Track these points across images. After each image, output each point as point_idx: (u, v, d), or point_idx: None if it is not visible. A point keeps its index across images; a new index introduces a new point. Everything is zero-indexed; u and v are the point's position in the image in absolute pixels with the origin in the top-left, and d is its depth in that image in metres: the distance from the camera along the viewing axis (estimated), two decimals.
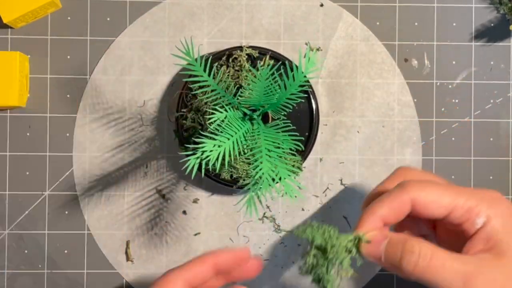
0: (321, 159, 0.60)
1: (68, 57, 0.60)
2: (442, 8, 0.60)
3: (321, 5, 0.60)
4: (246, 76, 0.53)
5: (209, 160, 0.45)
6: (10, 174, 0.59)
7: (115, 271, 0.59)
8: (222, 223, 0.60)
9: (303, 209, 0.60)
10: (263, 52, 0.56)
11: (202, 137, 0.46)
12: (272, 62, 0.46)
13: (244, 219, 0.60)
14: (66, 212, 0.59)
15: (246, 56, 0.56)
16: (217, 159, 0.46)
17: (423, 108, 0.60)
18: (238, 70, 0.55)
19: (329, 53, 0.60)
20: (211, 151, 0.46)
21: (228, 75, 0.55)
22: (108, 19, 0.60)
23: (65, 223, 0.59)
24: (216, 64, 0.55)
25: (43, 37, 0.60)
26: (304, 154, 0.56)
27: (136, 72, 0.59)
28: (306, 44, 0.60)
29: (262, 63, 0.49)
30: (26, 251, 0.59)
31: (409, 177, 0.46)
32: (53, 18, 0.60)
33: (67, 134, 0.59)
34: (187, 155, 0.46)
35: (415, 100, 0.60)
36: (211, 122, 0.47)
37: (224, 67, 0.55)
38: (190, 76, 0.46)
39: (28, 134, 0.59)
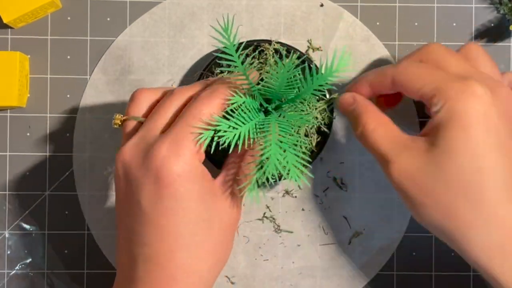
0: (321, 159, 0.60)
1: (68, 57, 0.60)
2: (442, 8, 0.60)
3: (321, 5, 0.60)
4: (269, 71, 0.53)
5: (222, 138, 0.46)
6: (10, 174, 0.59)
7: (115, 271, 0.59)
8: None
9: (303, 209, 0.60)
10: (290, 50, 0.56)
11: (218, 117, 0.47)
12: (297, 61, 0.46)
13: (244, 219, 0.60)
14: (66, 212, 0.59)
15: (273, 51, 0.56)
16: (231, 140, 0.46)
17: (423, 108, 0.60)
18: (262, 63, 0.55)
19: (329, 53, 0.60)
20: (225, 131, 0.46)
21: (252, 65, 0.55)
22: (108, 19, 0.60)
23: (65, 223, 0.59)
24: (243, 52, 0.55)
25: (43, 37, 0.60)
26: (314, 154, 0.56)
27: (136, 72, 0.59)
28: (308, 41, 0.60)
29: (288, 60, 0.49)
30: (26, 251, 0.59)
31: (425, 55, 0.49)
32: (53, 18, 0.60)
33: (67, 134, 0.59)
34: (201, 128, 0.46)
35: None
36: (229, 104, 0.47)
37: (250, 58, 0.55)
38: (222, 52, 0.46)
39: (28, 134, 0.59)
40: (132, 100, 0.50)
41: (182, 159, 0.45)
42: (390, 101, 0.54)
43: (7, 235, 0.59)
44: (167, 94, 0.49)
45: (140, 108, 0.50)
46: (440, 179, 0.44)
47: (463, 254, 0.46)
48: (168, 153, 0.45)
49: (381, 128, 0.48)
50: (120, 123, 0.50)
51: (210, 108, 0.46)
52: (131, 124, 0.49)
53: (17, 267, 0.59)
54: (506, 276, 0.44)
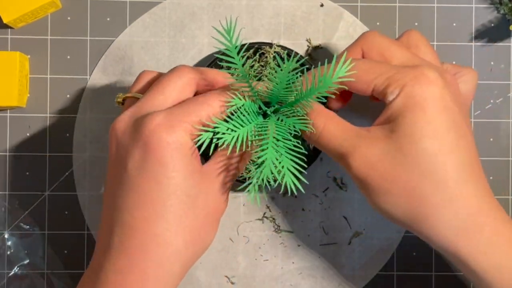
0: (321, 159, 0.60)
1: (68, 57, 0.60)
2: (442, 8, 0.60)
3: (322, 5, 0.60)
4: (270, 73, 0.53)
5: (221, 140, 0.45)
6: (10, 174, 0.59)
7: None
8: (222, 223, 0.59)
9: (303, 209, 0.60)
10: (290, 53, 0.56)
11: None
12: (297, 64, 0.46)
13: (244, 219, 0.60)
14: (66, 212, 0.59)
15: (274, 54, 0.56)
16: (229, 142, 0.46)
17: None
18: (263, 66, 0.55)
19: (332, 55, 0.60)
20: (223, 133, 0.46)
21: (252, 68, 0.55)
22: (108, 19, 0.60)
23: (65, 223, 0.59)
24: (245, 54, 0.55)
25: (43, 37, 0.60)
26: (311, 158, 0.56)
27: (136, 72, 0.59)
28: (307, 40, 0.60)
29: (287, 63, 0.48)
30: (26, 251, 0.59)
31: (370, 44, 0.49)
32: (53, 18, 0.60)
33: (67, 134, 0.59)
34: (200, 130, 0.46)
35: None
36: (228, 106, 0.47)
37: (250, 60, 0.55)
38: (223, 54, 0.46)
39: (28, 134, 0.59)
40: (136, 80, 0.51)
41: (174, 131, 0.45)
42: (340, 101, 0.53)
43: (6, 235, 0.59)
44: (167, 72, 0.49)
45: (142, 87, 0.50)
46: (403, 164, 0.44)
47: (429, 239, 0.46)
48: (162, 122, 0.45)
49: (331, 124, 0.48)
50: (121, 101, 0.51)
51: (218, 102, 0.47)
52: (132, 102, 0.50)
53: (16, 267, 0.59)
54: (473, 256, 0.44)
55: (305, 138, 0.49)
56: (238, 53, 0.46)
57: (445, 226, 0.44)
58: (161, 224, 0.45)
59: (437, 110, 0.44)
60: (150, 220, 0.45)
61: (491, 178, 0.60)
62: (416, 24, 0.60)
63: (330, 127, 0.47)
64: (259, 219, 0.60)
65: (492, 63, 0.60)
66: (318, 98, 0.47)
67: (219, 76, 0.49)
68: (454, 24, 0.60)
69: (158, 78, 0.49)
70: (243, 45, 0.50)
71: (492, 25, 0.60)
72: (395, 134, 0.45)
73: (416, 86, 0.44)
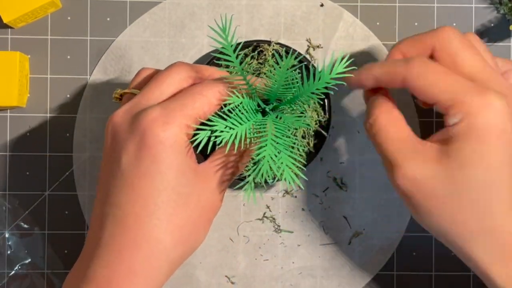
0: (321, 159, 0.60)
1: (68, 57, 0.60)
2: (442, 8, 0.60)
3: (322, 5, 0.60)
4: (268, 70, 0.53)
5: (219, 138, 0.45)
6: (10, 174, 0.59)
7: None
8: (222, 223, 0.60)
9: (303, 209, 0.60)
10: (288, 50, 0.56)
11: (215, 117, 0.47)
12: (295, 61, 0.45)
13: (244, 219, 0.60)
14: (66, 212, 0.59)
15: (273, 52, 0.56)
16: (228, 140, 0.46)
17: (422, 109, 0.60)
18: (261, 63, 0.55)
19: (330, 53, 0.60)
20: (221, 131, 0.46)
21: (250, 66, 0.55)
22: (108, 19, 0.60)
23: (65, 223, 0.59)
24: (242, 52, 0.55)
25: (43, 37, 0.60)
26: (312, 156, 0.56)
27: (136, 72, 0.59)
28: (307, 40, 0.60)
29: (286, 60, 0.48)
30: (26, 251, 0.59)
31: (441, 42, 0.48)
32: (53, 18, 0.60)
33: (67, 134, 0.59)
34: (198, 129, 0.46)
35: (416, 100, 0.60)
36: (226, 104, 0.47)
37: (248, 58, 0.55)
38: (220, 52, 0.46)
39: (28, 134, 0.59)
40: (135, 76, 0.51)
41: (170, 127, 0.45)
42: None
43: (7, 235, 0.59)
44: (166, 67, 0.49)
45: (139, 83, 0.50)
46: (450, 190, 0.44)
47: (464, 258, 0.47)
48: (157, 118, 0.45)
49: (392, 126, 0.47)
50: (119, 97, 0.51)
51: (212, 92, 0.47)
52: (130, 97, 0.50)
53: (17, 267, 0.59)
54: (503, 278, 0.45)
55: (364, 127, 0.49)
56: (234, 51, 0.46)
57: (480, 251, 0.45)
58: (152, 221, 0.45)
59: (497, 143, 0.44)
60: (141, 216, 0.45)
61: None
62: (416, 24, 0.60)
63: (391, 129, 0.47)
64: (259, 219, 0.60)
65: None
66: (316, 95, 0.47)
67: (216, 73, 0.49)
68: (454, 24, 0.60)
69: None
70: (240, 43, 0.50)
71: (492, 25, 0.60)
72: (449, 160, 0.44)
73: (480, 116, 0.44)
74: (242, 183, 0.48)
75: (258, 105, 0.49)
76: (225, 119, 0.46)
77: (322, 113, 0.54)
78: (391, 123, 0.47)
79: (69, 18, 0.60)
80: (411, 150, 0.46)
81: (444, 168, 0.44)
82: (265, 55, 0.56)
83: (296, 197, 0.60)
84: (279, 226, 0.60)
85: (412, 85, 0.46)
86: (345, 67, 0.46)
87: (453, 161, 0.44)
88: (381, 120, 0.47)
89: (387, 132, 0.47)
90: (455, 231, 0.45)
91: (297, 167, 0.45)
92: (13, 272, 0.59)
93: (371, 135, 0.48)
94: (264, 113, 0.50)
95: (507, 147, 0.44)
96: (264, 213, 0.60)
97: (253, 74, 0.55)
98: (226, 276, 0.60)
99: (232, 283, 0.60)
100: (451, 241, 0.46)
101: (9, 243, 0.59)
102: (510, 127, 0.44)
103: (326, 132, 0.55)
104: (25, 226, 0.59)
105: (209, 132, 0.46)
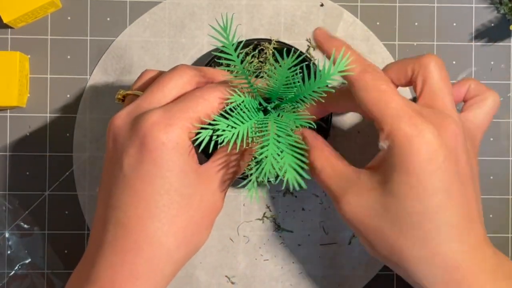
0: None
1: (68, 57, 0.60)
2: (442, 8, 0.60)
3: (322, 5, 0.60)
4: (269, 69, 0.53)
5: (220, 137, 0.45)
6: (10, 174, 0.59)
7: None
8: (222, 223, 0.60)
9: (303, 209, 0.60)
10: (289, 49, 0.56)
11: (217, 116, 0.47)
12: (296, 60, 0.45)
13: (244, 219, 0.60)
14: (66, 212, 0.59)
15: (273, 50, 0.56)
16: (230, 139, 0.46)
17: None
18: (262, 62, 0.55)
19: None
20: (223, 130, 0.46)
21: (251, 64, 0.55)
22: (108, 19, 0.60)
23: (65, 223, 0.59)
24: (243, 51, 0.55)
25: (43, 37, 0.60)
26: None
27: (136, 72, 0.59)
28: (307, 40, 0.60)
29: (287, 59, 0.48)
30: (26, 251, 0.59)
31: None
32: (53, 18, 0.60)
33: (67, 134, 0.59)
34: (201, 128, 0.46)
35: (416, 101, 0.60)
36: (227, 103, 0.47)
37: (249, 57, 0.55)
38: (221, 51, 0.46)
39: (28, 134, 0.59)
40: (138, 78, 0.51)
41: (171, 129, 0.45)
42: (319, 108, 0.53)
43: (7, 235, 0.59)
44: (168, 70, 0.49)
45: (142, 85, 0.50)
46: (386, 220, 0.45)
47: (411, 283, 0.47)
48: (159, 121, 0.45)
49: (327, 166, 0.48)
50: (121, 98, 0.51)
51: (214, 96, 0.47)
52: (132, 99, 0.50)
53: (17, 267, 0.59)
54: None
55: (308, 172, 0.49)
56: (235, 50, 0.46)
57: (422, 277, 0.45)
58: (154, 223, 0.45)
59: (425, 174, 0.44)
60: (144, 219, 0.45)
61: (491, 178, 0.60)
62: (416, 24, 0.60)
63: (327, 169, 0.48)
64: (259, 219, 0.60)
65: (492, 63, 0.60)
66: (318, 93, 0.47)
67: (219, 75, 0.49)
68: (454, 24, 0.60)
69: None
70: (240, 42, 0.50)
71: (492, 25, 0.60)
72: (384, 190, 0.45)
73: (408, 148, 0.44)
74: (245, 181, 0.47)
75: (260, 104, 0.49)
76: (227, 118, 0.46)
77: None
78: (325, 162, 0.48)
79: (69, 18, 0.60)
80: (346, 183, 0.47)
81: (378, 198, 0.45)
82: (266, 53, 0.56)
83: (296, 197, 0.60)
84: (279, 226, 0.60)
85: (356, 94, 0.47)
86: (346, 66, 0.46)
87: (385, 191, 0.45)
88: (316, 163, 0.49)
89: (324, 171, 0.48)
90: (397, 259, 0.46)
91: (300, 166, 0.45)
92: (13, 272, 0.59)
93: (314, 178, 0.49)
94: (265, 111, 0.49)
95: (437, 177, 0.44)
96: (264, 213, 0.60)
97: (254, 72, 0.55)
98: (226, 276, 0.60)
99: (232, 283, 0.60)
100: (395, 267, 0.47)
101: (9, 243, 0.59)
102: (440, 156, 0.44)
103: (327, 132, 0.55)
104: (25, 226, 0.59)
105: (211, 131, 0.46)
